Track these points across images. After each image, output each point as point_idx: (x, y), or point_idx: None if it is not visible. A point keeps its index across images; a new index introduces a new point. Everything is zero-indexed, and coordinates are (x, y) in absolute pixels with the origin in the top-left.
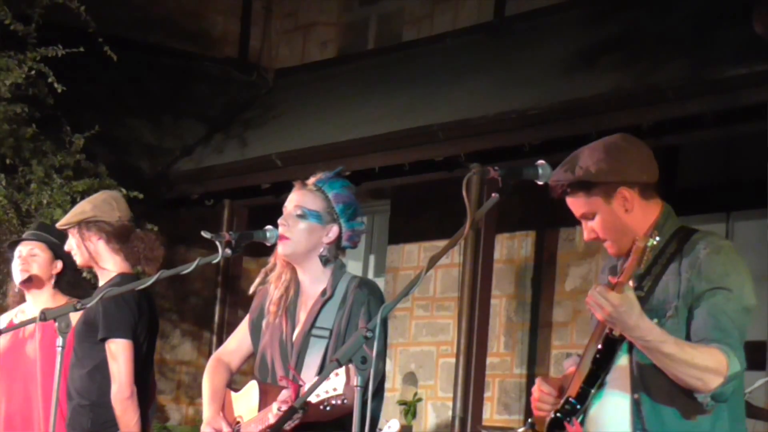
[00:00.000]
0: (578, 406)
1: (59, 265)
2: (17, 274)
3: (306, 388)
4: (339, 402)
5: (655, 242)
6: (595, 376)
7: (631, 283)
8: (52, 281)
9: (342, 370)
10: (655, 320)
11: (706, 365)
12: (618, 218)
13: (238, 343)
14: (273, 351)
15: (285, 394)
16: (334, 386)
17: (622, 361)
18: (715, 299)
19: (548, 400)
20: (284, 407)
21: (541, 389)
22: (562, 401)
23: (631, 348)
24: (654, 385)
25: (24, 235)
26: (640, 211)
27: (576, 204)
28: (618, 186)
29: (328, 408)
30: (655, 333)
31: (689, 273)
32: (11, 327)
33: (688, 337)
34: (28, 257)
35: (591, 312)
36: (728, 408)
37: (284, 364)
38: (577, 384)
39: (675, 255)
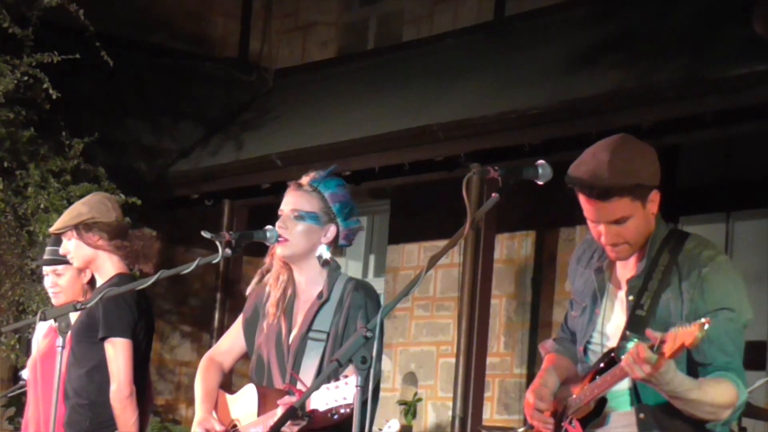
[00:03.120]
0: (573, 424)
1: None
2: (52, 297)
3: (313, 398)
4: (348, 411)
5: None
6: (603, 405)
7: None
8: (84, 290)
9: (351, 379)
10: None
11: (723, 402)
12: (648, 222)
13: (230, 343)
14: (269, 352)
15: (287, 399)
16: (344, 395)
17: (625, 407)
18: (718, 320)
19: (546, 419)
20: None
21: (536, 407)
22: (567, 422)
23: (636, 395)
24: (667, 424)
25: (43, 258)
26: (654, 217)
27: (617, 207)
28: (652, 189)
29: (335, 416)
30: (685, 384)
31: (691, 293)
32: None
33: (690, 357)
34: (56, 278)
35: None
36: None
37: (281, 366)
38: (587, 410)
39: (670, 266)
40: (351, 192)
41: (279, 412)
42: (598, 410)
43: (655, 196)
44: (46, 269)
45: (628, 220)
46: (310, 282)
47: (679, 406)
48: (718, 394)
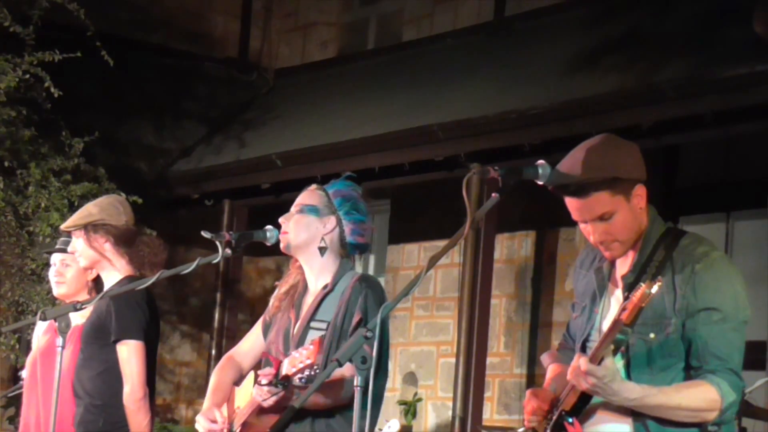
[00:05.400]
0: (570, 421)
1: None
2: (53, 286)
3: (284, 363)
4: (312, 372)
5: (659, 286)
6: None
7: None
8: (88, 287)
9: (312, 344)
10: (652, 335)
11: (698, 405)
12: (635, 217)
13: (251, 343)
14: (278, 346)
15: (267, 369)
16: (308, 357)
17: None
18: (711, 321)
19: (538, 414)
20: (264, 381)
21: (531, 404)
22: (555, 415)
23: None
24: (662, 419)
25: (54, 247)
26: (644, 212)
27: (597, 203)
28: (636, 183)
29: (303, 380)
30: (636, 390)
31: (684, 289)
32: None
33: (687, 352)
34: (62, 268)
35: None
36: None
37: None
38: (572, 400)
39: (665, 263)
40: (358, 192)
41: (263, 381)
42: (585, 400)
43: (640, 191)
44: (54, 258)
45: (612, 215)
46: (318, 276)
47: (652, 414)
48: (690, 398)
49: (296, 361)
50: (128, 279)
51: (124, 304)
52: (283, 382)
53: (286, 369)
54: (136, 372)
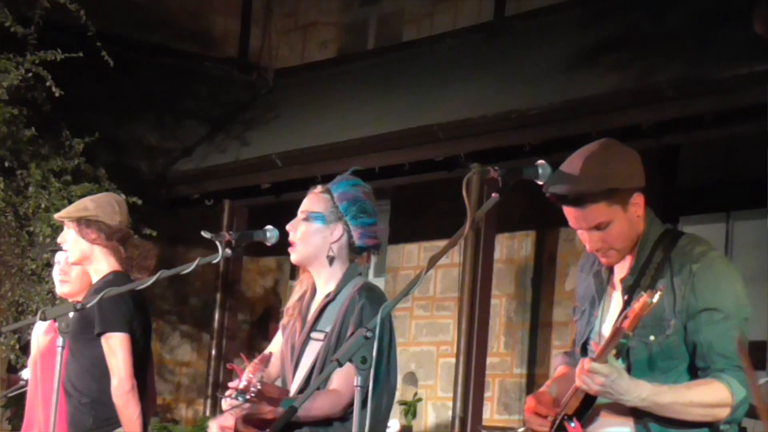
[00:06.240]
0: (572, 424)
1: None
2: (57, 285)
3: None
4: (254, 388)
5: (660, 296)
6: (594, 398)
7: (626, 324)
8: (91, 287)
9: (258, 360)
10: (652, 337)
11: (709, 402)
12: (632, 225)
13: (277, 350)
14: (286, 354)
15: (235, 381)
16: (247, 378)
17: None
18: (713, 321)
19: (540, 422)
20: (227, 392)
21: (533, 410)
22: (558, 419)
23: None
24: (664, 420)
25: (60, 245)
26: (641, 219)
27: (593, 213)
28: (633, 192)
29: (253, 394)
30: (647, 388)
31: (683, 290)
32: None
33: (691, 355)
34: (66, 267)
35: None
36: None
37: (292, 366)
38: (574, 404)
39: (663, 264)
40: (364, 190)
41: (226, 393)
42: (588, 404)
43: (637, 199)
44: (58, 257)
45: (609, 225)
46: (325, 283)
47: (663, 413)
48: (701, 395)
49: (245, 376)
50: (114, 273)
51: (106, 298)
52: (241, 394)
53: (242, 383)
54: (122, 365)
